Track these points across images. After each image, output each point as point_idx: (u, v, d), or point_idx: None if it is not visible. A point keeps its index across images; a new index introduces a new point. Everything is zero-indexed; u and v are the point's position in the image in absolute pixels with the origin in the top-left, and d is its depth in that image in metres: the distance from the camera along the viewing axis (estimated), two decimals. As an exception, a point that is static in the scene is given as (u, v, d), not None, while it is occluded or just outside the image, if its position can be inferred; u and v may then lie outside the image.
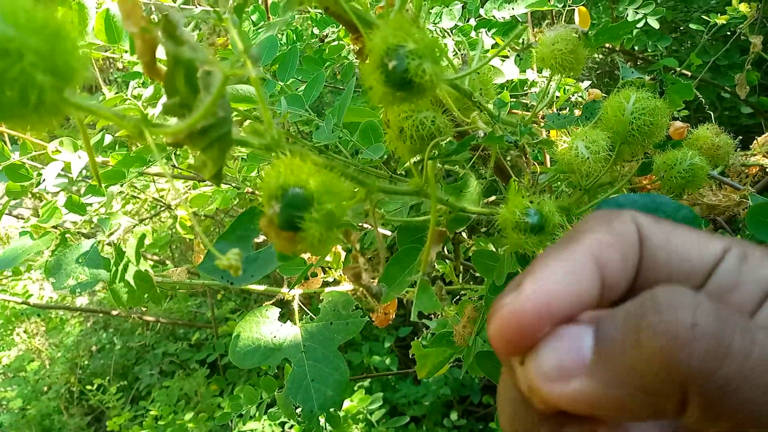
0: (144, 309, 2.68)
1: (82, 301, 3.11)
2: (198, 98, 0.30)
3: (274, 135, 0.34)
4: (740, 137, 0.80)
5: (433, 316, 0.98)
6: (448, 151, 0.44)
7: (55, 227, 0.78)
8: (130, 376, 2.58)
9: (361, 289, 0.87)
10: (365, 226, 0.66)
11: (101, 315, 2.99)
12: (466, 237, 0.48)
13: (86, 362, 2.78)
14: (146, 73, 0.31)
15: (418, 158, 0.44)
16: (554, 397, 0.22)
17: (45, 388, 2.70)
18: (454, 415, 1.82)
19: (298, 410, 0.71)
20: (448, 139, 0.45)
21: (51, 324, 2.87)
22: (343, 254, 0.93)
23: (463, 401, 2.18)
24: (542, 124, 0.58)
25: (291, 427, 1.60)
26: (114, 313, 1.75)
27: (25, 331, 3.03)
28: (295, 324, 0.79)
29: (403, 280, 0.42)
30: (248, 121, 0.54)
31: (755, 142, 1.03)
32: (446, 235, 0.43)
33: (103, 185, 0.75)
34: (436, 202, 0.41)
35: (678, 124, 0.72)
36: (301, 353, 0.75)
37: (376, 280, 0.36)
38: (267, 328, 0.77)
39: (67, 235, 0.76)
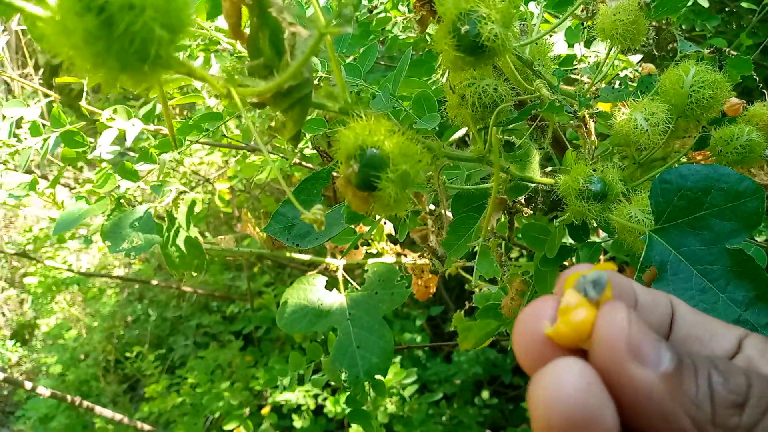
0: (183, 280, 2.75)
1: (118, 272, 3.19)
2: (283, 59, 0.31)
3: (347, 99, 0.35)
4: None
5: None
6: (510, 119, 0.45)
7: (109, 192, 0.81)
8: (164, 347, 2.65)
9: (416, 257, 0.88)
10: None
11: (137, 287, 3.07)
12: (524, 206, 0.48)
13: (122, 332, 2.86)
14: (231, 34, 0.32)
15: (480, 126, 0.45)
16: None
17: (82, 356, 2.79)
18: (485, 394, 1.83)
19: (344, 376, 0.73)
20: (508, 108, 0.46)
21: (89, 294, 2.95)
22: (387, 226, 0.95)
23: (494, 381, 2.19)
24: (597, 97, 0.58)
25: (325, 399, 1.64)
26: (153, 282, 1.80)
27: (64, 299, 3.13)
28: (340, 293, 0.81)
29: (463, 246, 0.43)
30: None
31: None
32: (506, 203, 0.44)
33: (156, 153, 0.78)
34: (499, 170, 0.41)
35: (734, 100, 0.71)
36: (347, 321, 0.77)
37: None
38: (314, 295, 0.79)
39: (121, 201, 0.79)
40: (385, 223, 0.94)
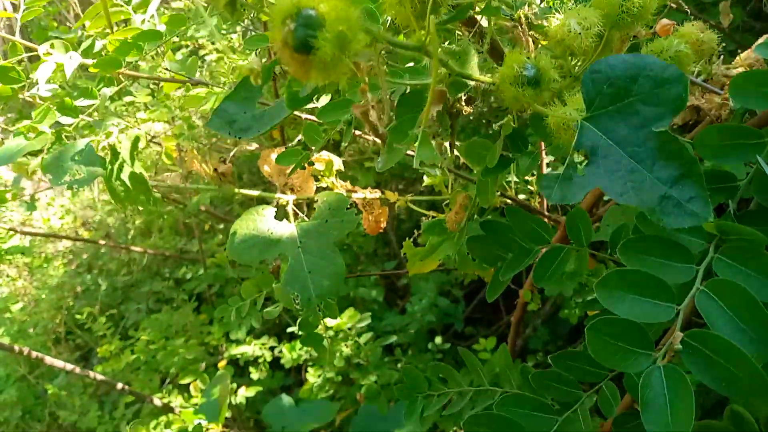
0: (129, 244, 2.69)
1: (65, 244, 3.10)
2: None
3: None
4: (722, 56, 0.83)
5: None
6: (448, 17, 0.46)
7: (49, 128, 0.79)
8: (116, 316, 2.60)
9: (365, 192, 0.89)
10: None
11: (85, 257, 2.99)
12: (463, 105, 0.49)
13: (72, 303, 2.79)
14: None
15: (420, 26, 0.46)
16: None
17: (31, 329, 2.71)
18: (438, 339, 1.89)
19: (296, 299, 0.74)
20: (447, 6, 0.47)
21: (35, 263, 2.86)
22: (336, 162, 0.95)
23: (447, 331, 2.25)
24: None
25: (280, 351, 1.65)
26: (101, 242, 1.76)
27: (8, 276, 3.03)
28: (290, 223, 0.82)
29: (403, 135, 0.44)
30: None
31: (738, 57, 1.05)
32: (446, 95, 0.45)
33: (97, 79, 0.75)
34: (438, 61, 0.42)
35: (664, 21, 0.74)
36: (298, 248, 0.78)
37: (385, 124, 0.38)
38: (264, 224, 0.79)
39: (62, 135, 0.77)
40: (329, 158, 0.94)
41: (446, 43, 0.51)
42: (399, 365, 1.91)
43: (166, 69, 0.89)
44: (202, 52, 1.23)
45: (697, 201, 0.43)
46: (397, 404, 1.23)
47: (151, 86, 1.67)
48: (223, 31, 1.44)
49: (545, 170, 0.99)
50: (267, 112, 0.43)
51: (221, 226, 2.49)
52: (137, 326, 2.37)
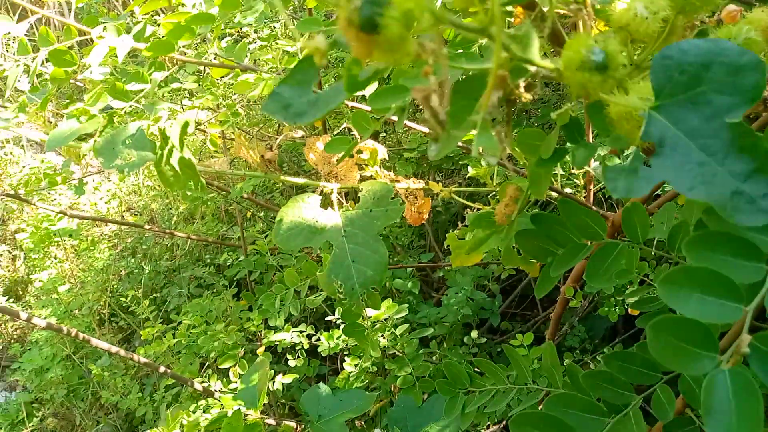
0: (173, 229, 2.74)
1: (111, 228, 3.18)
2: None
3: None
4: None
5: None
6: None
7: (101, 111, 0.80)
8: (158, 300, 2.66)
9: (409, 182, 0.88)
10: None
11: (129, 241, 3.06)
12: (523, 92, 0.48)
13: (116, 286, 2.86)
14: None
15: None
16: None
17: (77, 310, 2.79)
18: (474, 333, 1.87)
19: (340, 288, 0.73)
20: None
21: (82, 246, 2.94)
22: (381, 151, 0.94)
23: (482, 325, 2.23)
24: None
25: (317, 339, 1.66)
26: (146, 227, 1.79)
27: (55, 257, 3.12)
28: (335, 212, 0.81)
29: (460, 121, 0.43)
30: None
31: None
32: (506, 81, 0.43)
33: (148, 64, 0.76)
34: (501, 44, 0.41)
35: (731, 7, 0.70)
36: (342, 237, 0.77)
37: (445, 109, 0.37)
38: (309, 212, 0.79)
39: (114, 119, 0.78)
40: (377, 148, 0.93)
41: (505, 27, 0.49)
42: (434, 357, 1.90)
43: (215, 55, 0.90)
44: (245, 41, 1.23)
45: (771, 197, 0.40)
46: (433, 397, 1.22)
47: (197, 73, 1.69)
48: (266, 20, 1.44)
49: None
50: (323, 96, 0.42)
51: (261, 213, 2.52)
52: (179, 310, 2.41)
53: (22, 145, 3.79)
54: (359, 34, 0.30)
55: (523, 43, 0.45)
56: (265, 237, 1.99)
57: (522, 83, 0.47)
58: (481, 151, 0.39)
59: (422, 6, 0.31)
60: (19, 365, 2.80)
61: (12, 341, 3.03)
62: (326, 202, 0.83)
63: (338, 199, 0.87)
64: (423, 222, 0.97)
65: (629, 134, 0.50)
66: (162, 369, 1.14)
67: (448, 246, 2.27)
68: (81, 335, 1.07)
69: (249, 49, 1.77)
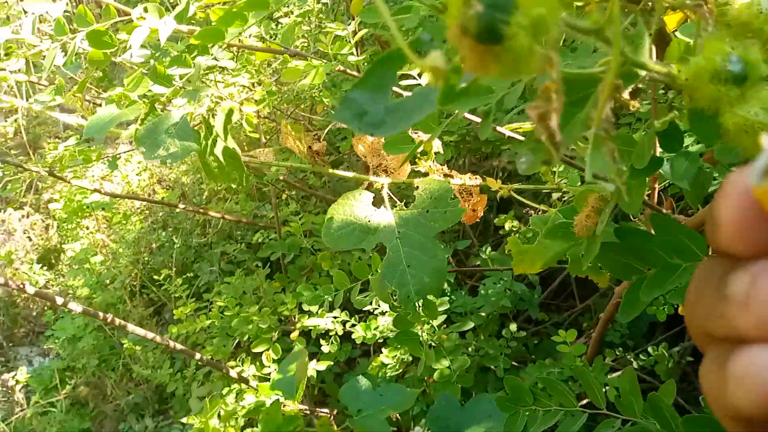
0: (208, 204, 2.72)
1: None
2: None
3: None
4: None
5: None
6: (622, -7, 0.38)
7: (143, 97, 0.75)
8: (189, 273, 2.66)
9: (464, 178, 0.82)
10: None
11: (161, 214, 3.06)
12: (629, 99, 0.42)
13: (147, 258, 2.87)
14: None
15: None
16: None
17: (108, 281, 2.81)
18: (513, 327, 1.81)
19: (394, 294, 0.68)
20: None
21: (114, 219, 2.95)
22: (436, 145, 0.88)
23: (519, 316, 2.17)
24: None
25: (353, 325, 1.62)
26: (180, 206, 1.77)
27: (87, 227, 3.14)
28: (388, 210, 0.76)
29: (570, 133, 0.37)
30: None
31: None
32: (620, 89, 0.37)
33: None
34: (619, 45, 0.34)
35: None
36: (396, 239, 0.72)
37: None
38: (361, 211, 0.73)
39: (156, 106, 0.73)
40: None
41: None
42: (469, 349, 1.85)
43: (257, 36, 0.84)
44: (294, 20, 1.16)
45: None
46: (478, 396, 1.17)
47: (233, 50, 1.63)
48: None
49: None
50: (404, 104, 0.36)
51: (293, 192, 2.48)
52: (210, 287, 2.40)
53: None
54: (476, 45, 0.25)
55: (635, 44, 0.39)
56: (299, 218, 1.95)
57: (628, 90, 0.40)
58: (594, 175, 0.33)
59: (555, 12, 0.25)
60: (53, 332, 2.84)
61: (46, 308, 3.07)
62: (378, 200, 0.78)
63: (389, 195, 0.81)
64: (477, 220, 0.91)
65: (748, 148, 0.43)
66: (198, 356, 1.12)
67: (480, 234, 2.20)
68: (117, 321, 1.04)
69: (280, 23, 1.69)
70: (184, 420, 1.12)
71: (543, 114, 0.29)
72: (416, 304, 0.66)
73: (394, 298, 0.68)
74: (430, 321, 1.45)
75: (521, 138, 0.91)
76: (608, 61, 0.37)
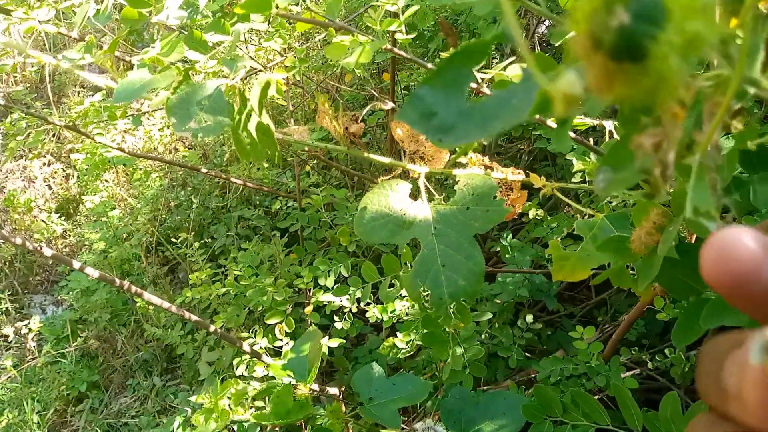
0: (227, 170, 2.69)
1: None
2: None
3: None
4: None
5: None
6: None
7: (177, 62, 0.71)
8: (205, 235, 2.64)
9: (506, 171, 0.77)
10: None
11: (180, 173, 3.04)
12: (732, 120, 0.37)
13: (164, 216, 2.85)
14: None
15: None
16: None
17: (124, 236, 2.81)
18: (529, 318, 1.77)
19: (426, 294, 0.65)
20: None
21: (135, 176, 2.93)
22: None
23: (534, 305, 2.13)
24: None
25: (368, 304, 1.59)
26: (203, 171, 1.74)
27: (107, 181, 3.13)
28: (424, 203, 0.71)
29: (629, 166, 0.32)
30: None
31: None
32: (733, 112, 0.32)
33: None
34: (744, 62, 0.30)
35: None
36: (432, 236, 0.68)
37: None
38: (397, 202, 0.69)
39: (190, 73, 0.69)
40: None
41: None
42: (482, 336, 1.82)
43: (308, 7, 0.79)
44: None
45: None
46: (494, 393, 1.14)
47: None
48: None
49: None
50: (482, 107, 0.32)
51: (314, 162, 2.43)
52: (226, 250, 2.39)
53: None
54: (608, 62, 0.20)
55: (750, 58, 0.34)
56: (321, 191, 1.91)
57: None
58: (692, 212, 0.28)
59: (713, 28, 0.20)
60: (67, 283, 2.86)
61: (61, 258, 3.08)
62: (414, 190, 0.73)
63: (426, 185, 0.77)
64: (515, 216, 0.86)
65: None
66: (213, 328, 1.10)
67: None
68: (134, 288, 1.02)
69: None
70: (192, 399, 1.10)
71: (656, 143, 0.25)
72: (449, 307, 0.62)
73: (426, 296, 0.64)
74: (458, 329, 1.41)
75: (553, 125, 0.85)
76: (719, 75, 0.32)
